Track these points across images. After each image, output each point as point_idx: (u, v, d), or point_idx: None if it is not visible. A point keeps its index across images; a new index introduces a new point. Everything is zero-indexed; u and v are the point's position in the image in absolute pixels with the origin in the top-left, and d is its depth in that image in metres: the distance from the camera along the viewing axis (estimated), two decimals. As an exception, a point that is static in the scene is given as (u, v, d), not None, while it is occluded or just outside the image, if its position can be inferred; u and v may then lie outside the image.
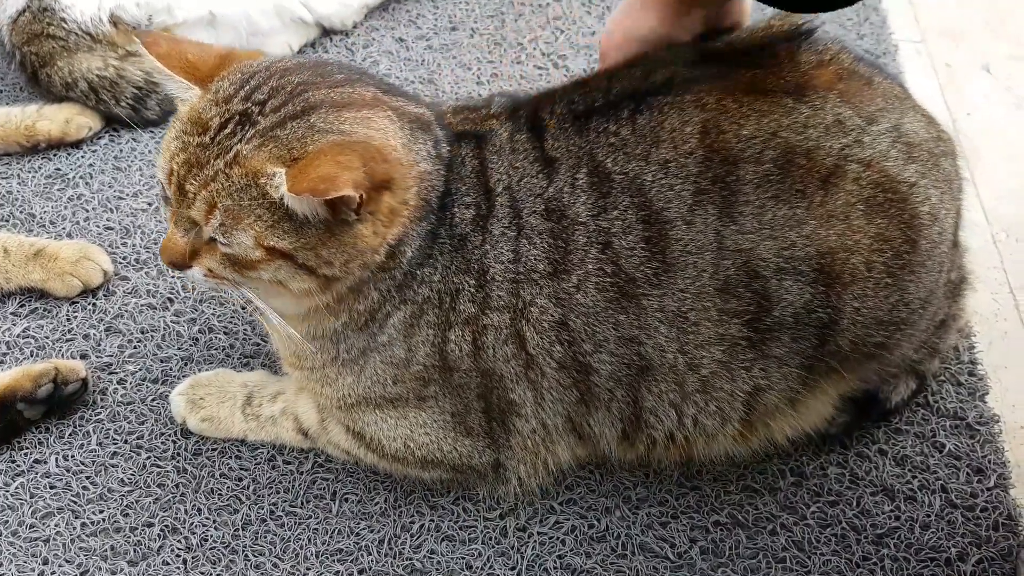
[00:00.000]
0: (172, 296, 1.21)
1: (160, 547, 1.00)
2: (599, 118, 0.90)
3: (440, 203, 0.88)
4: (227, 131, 0.81)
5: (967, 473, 1.06)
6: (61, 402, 1.08)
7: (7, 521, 1.01)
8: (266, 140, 0.80)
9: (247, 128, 0.80)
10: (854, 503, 1.03)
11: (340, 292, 0.87)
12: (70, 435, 1.08)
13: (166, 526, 1.01)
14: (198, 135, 0.81)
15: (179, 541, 1.00)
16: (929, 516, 1.03)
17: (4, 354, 1.15)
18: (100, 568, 0.98)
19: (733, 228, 0.86)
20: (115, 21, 1.38)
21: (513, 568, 0.98)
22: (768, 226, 0.86)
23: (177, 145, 0.82)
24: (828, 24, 1.62)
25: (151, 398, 1.12)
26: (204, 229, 0.82)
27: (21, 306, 1.20)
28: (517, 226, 0.88)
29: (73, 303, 1.20)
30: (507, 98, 0.97)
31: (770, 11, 0.94)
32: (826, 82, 0.90)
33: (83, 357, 1.15)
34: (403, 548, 1.00)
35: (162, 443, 1.08)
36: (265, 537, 1.01)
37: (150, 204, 1.32)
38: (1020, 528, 1.02)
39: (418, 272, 0.88)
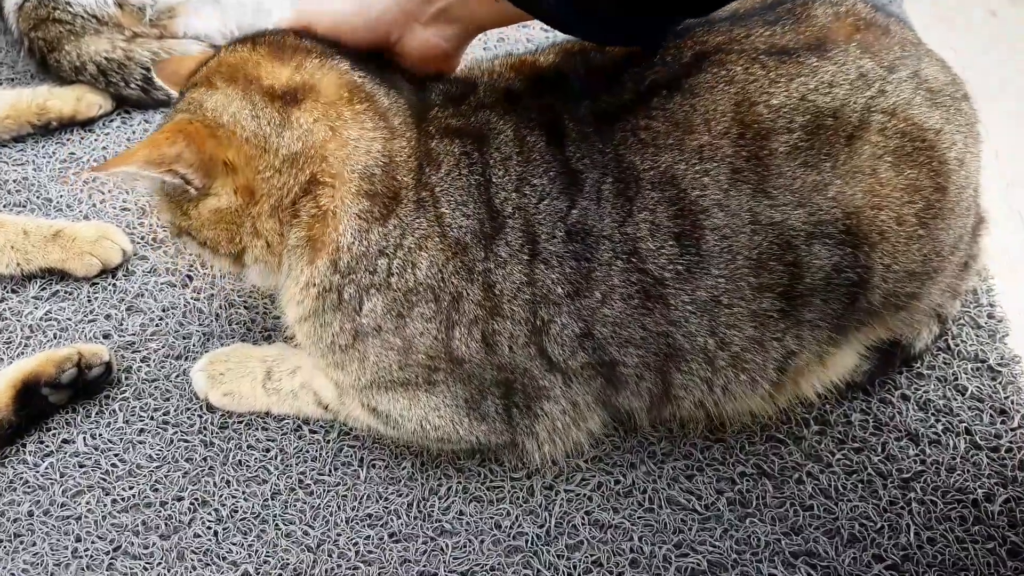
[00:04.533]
0: (191, 274, 1.22)
1: (191, 520, 1.00)
2: (628, 116, 0.85)
3: (396, 193, 0.84)
4: None
5: (991, 415, 1.06)
6: (86, 387, 1.09)
7: (39, 501, 1.02)
8: (168, 117, 0.88)
9: None
10: (879, 449, 1.04)
11: (259, 264, 0.91)
12: (97, 414, 1.09)
13: (196, 499, 1.02)
14: None
15: (209, 513, 1.01)
16: (954, 459, 1.03)
17: (28, 337, 1.16)
18: (132, 543, 0.99)
19: (766, 203, 0.83)
20: (120, 3, 1.38)
21: (542, 526, 0.99)
22: (798, 194, 0.83)
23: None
24: (834, -25, 1.61)
25: (175, 375, 1.12)
26: None
27: (43, 289, 1.21)
28: (531, 251, 0.84)
29: (93, 284, 1.21)
30: (499, 61, 0.94)
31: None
32: (846, 34, 0.88)
33: (106, 337, 1.16)
34: (432, 511, 1.01)
35: (188, 418, 1.08)
36: (295, 505, 1.01)
37: (164, 184, 1.33)
38: (1046, 467, 1.02)
39: (379, 262, 0.85)
